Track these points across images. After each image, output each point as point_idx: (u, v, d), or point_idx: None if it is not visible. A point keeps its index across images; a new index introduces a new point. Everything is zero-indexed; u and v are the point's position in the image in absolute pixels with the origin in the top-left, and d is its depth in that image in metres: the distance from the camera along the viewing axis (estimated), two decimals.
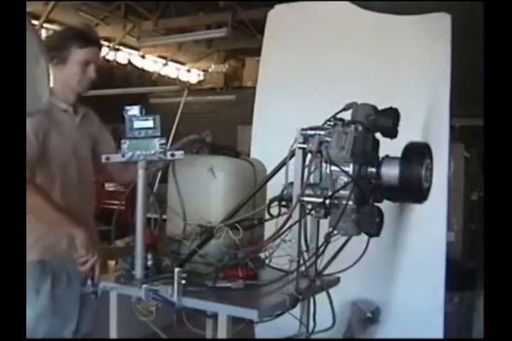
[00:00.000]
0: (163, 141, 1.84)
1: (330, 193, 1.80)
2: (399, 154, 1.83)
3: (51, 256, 2.10)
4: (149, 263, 1.86)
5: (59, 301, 2.09)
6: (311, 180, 1.87)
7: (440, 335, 2.94)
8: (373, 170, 1.81)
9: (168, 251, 2.01)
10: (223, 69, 12.50)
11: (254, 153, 3.35)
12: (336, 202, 1.79)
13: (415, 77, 3.12)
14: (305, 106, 3.24)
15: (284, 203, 1.94)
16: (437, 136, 2.93)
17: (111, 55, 12.58)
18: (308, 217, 1.89)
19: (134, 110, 1.89)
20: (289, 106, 3.36)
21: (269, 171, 2.07)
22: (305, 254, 1.89)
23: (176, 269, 1.72)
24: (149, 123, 1.85)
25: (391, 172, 1.79)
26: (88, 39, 2.17)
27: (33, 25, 8.30)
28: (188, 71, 15.31)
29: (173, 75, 14.72)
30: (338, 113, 1.87)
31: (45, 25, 10.44)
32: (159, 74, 14.21)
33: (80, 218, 2.03)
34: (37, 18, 9.81)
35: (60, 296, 2.10)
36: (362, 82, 3.16)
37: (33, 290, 2.03)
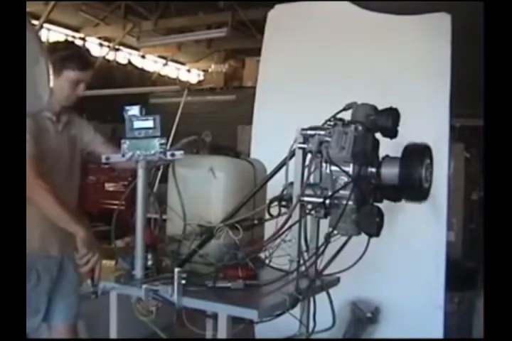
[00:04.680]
0: (163, 141, 1.84)
1: (330, 193, 1.80)
2: (399, 154, 1.83)
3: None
4: (149, 263, 1.86)
5: (27, 297, 2.15)
6: (311, 180, 1.87)
7: (440, 335, 2.95)
8: (373, 170, 1.81)
9: (168, 251, 2.01)
10: (223, 69, 12.51)
11: (254, 153, 3.36)
12: (336, 202, 1.79)
13: (415, 76, 3.12)
14: (305, 105, 3.24)
15: (284, 203, 1.94)
16: (437, 136, 2.93)
17: (111, 55, 12.60)
18: (308, 217, 1.89)
19: (134, 110, 1.89)
20: (289, 106, 3.36)
21: (269, 171, 2.07)
22: (305, 254, 1.89)
23: (176, 269, 1.72)
24: (149, 123, 1.85)
25: (391, 172, 1.79)
26: (83, 62, 2.27)
27: (33, 25, 8.30)
28: (188, 71, 15.32)
29: (173, 75, 14.74)
30: (338, 113, 1.87)
31: (45, 25, 10.45)
32: (159, 74, 14.23)
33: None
34: (37, 18, 9.81)
35: (28, 292, 2.12)
36: (362, 82, 3.16)
37: None
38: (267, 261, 2.05)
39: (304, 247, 1.90)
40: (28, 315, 2.18)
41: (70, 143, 2.34)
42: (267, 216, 2.00)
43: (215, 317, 1.84)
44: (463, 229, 4.74)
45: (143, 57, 13.66)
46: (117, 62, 12.90)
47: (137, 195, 1.84)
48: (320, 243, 1.87)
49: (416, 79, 3.11)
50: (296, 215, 1.85)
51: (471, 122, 4.60)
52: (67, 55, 2.26)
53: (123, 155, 1.87)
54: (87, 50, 2.55)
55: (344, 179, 1.79)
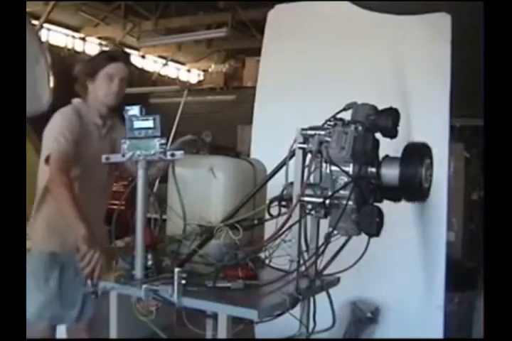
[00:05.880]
0: (163, 141, 1.83)
1: (330, 193, 1.80)
2: (399, 154, 1.83)
3: (61, 249, 2.29)
4: (149, 263, 1.86)
5: (65, 289, 2.33)
6: (311, 180, 1.87)
7: (440, 335, 2.95)
8: (373, 170, 1.81)
9: (168, 251, 2.01)
10: (223, 69, 12.51)
11: (254, 153, 3.36)
12: (336, 202, 1.79)
13: (415, 77, 3.12)
14: (305, 106, 3.24)
15: (284, 203, 1.94)
16: (437, 136, 2.93)
17: None
18: (308, 217, 1.89)
19: (134, 110, 1.89)
20: (289, 106, 3.36)
21: (269, 171, 2.07)
22: (305, 254, 1.89)
23: (176, 269, 1.71)
24: (149, 123, 1.85)
25: (391, 172, 1.79)
26: (111, 57, 2.43)
27: (33, 25, 8.30)
28: (188, 71, 15.32)
29: (173, 75, 14.73)
30: (338, 113, 1.87)
31: (45, 25, 10.44)
32: (159, 74, 14.22)
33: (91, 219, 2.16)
34: (37, 18, 9.80)
35: (67, 285, 2.33)
36: (362, 81, 3.16)
37: (42, 278, 2.31)
38: (267, 261, 2.05)
39: (304, 247, 1.90)
40: (66, 308, 2.35)
41: (111, 147, 2.42)
42: (267, 216, 2.00)
43: (215, 317, 1.84)
44: (463, 229, 4.74)
45: (143, 57, 13.65)
46: None
47: (137, 195, 1.84)
48: (320, 243, 1.87)
49: (416, 79, 3.12)
50: (296, 215, 1.85)
51: (471, 122, 4.60)
52: (101, 55, 2.52)
53: (123, 155, 1.87)
54: (120, 48, 2.71)
55: (344, 179, 1.79)
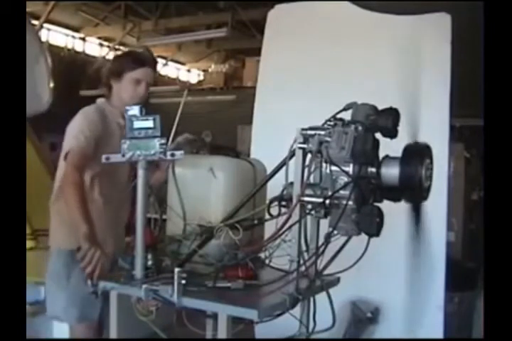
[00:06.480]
0: (163, 141, 1.83)
1: (330, 193, 1.80)
2: (399, 154, 1.83)
3: None
4: (149, 263, 1.86)
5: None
6: (311, 180, 1.87)
7: (440, 335, 2.95)
8: (373, 170, 1.81)
9: (168, 251, 2.01)
10: (223, 69, 12.53)
11: (254, 153, 3.36)
12: (336, 202, 1.79)
13: (415, 77, 3.12)
14: (305, 105, 3.24)
15: (284, 203, 1.94)
16: (437, 136, 2.93)
17: (111, 55, 12.61)
18: (308, 217, 1.89)
19: (134, 110, 1.89)
20: (289, 106, 3.36)
21: (269, 171, 2.07)
22: (305, 254, 1.89)
23: (176, 269, 1.71)
24: (149, 123, 1.85)
25: (391, 172, 1.79)
26: (140, 61, 2.44)
27: (33, 25, 8.31)
28: (188, 71, 15.33)
29: (173, 75, 14.74)
30: (338, 113, 1.87)
31: (45, 25, 10.45)
32: (159, 74, 14.23)
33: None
34: (37, 18, 9.81)
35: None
36: (362, 81, 3.16)
37: (64, 275, 2.34)
38: (267, 261, 2.05)
39: (304, 247, 1.90)
40: (89, 306, 2.31)
41: None
42: (267, 216, 2.00)
43: (215, 317, 1.84)
44: (463, 229, 4.74)
45: None
46: None
47: (137, 194, 1.84)
48: (320, 243, 1.87)
49: (416, 79, 3.11)
50: (296, 215, 1.85)
51: (471, 122, 4.60)
52: (128, 56, 2.52)
53: (123, 155, 1.87)
54: (147, 51, 2.70)
55: (344, 179, 1.79)
